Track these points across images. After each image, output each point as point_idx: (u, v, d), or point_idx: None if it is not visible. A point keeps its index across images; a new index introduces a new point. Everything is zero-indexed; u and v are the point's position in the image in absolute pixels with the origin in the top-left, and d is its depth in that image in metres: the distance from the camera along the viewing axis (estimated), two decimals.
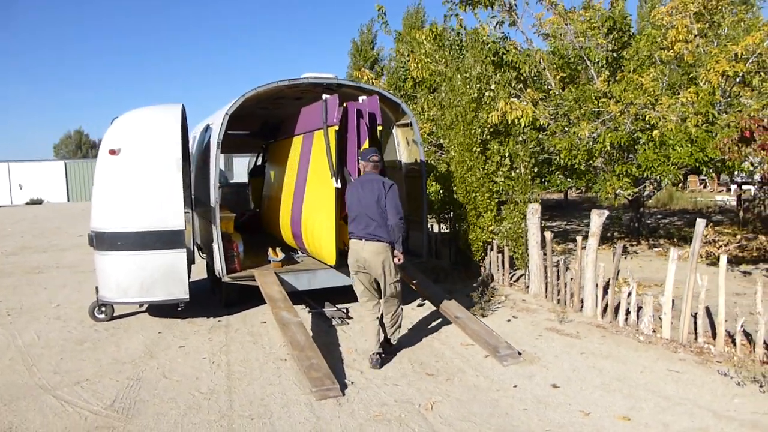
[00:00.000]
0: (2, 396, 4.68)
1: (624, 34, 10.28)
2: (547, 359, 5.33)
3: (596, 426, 4.02)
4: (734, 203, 18.79)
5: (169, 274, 6.39)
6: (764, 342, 5.20)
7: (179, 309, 6.67)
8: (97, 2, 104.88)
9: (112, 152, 6.37)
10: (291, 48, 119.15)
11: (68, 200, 38.14)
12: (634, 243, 12.05)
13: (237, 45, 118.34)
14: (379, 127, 6.39)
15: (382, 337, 5.41)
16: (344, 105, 6.31)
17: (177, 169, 6.38)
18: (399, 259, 5.25)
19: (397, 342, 5.58)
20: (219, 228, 6.65)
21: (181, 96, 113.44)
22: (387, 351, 5.43)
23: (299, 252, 7.94)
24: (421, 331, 6.31)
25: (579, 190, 23.73)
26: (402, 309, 5.55)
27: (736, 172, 12.02)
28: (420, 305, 7.35)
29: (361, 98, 6.47)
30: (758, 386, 4.57)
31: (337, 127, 6.19)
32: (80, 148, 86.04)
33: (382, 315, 5.43)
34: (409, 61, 12.90)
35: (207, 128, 7.85)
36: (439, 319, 6.56)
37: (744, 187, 17.94)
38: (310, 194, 6.97)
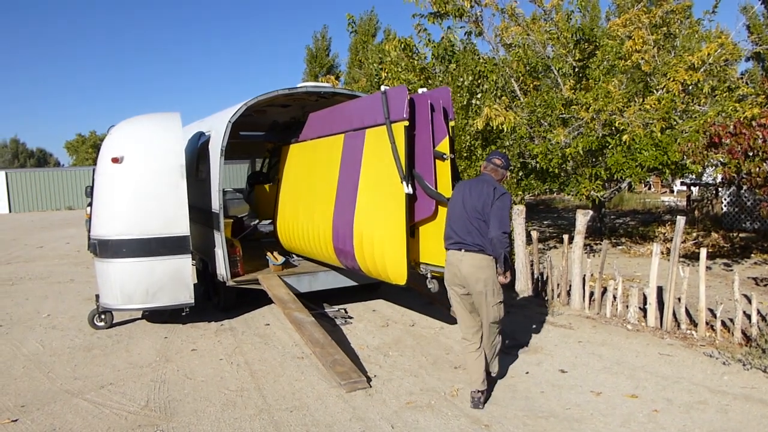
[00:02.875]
0: (32, 401, 4.73)
1: (590, 45, 10.91)
2: (549, 348, 5.74)
3: (609, 404, 4.42)
4: (681, 203, 19.99)
5: (174, 279, 6.47)
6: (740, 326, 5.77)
7: (183, 314, 6.76)
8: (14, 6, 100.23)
9: (115, 160, 6.42)
10: (243, 58, 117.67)
11: (10, 211, 36.60)
12: (598, 242, 12.73)
13: (163, 56, 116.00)
14: (452, 123, 5.57)
15: (484, 367, 4.53)
16: (409, 97, 5.49)
17: (181, 175, 6.48)
18: (505, 278, 4.45)
19: (498, 373, 4.83)
20: (224, 233, 6.79)
21: (127, 106, 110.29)
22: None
23: (294, 257, 8.11)
24: (424, 328, 6.62)
25: (532, 195, 24.56)
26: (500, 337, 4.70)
27: (686, 174, 12.85)
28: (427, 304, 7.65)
29: (421, 90, 5.69)
30: (741, 365, 5.09)
31: (407, 123, 5.42)
32: (17, 157, 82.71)
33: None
34: (382, 69, 13.25)
35: (200, 135, 7.96)
36: (440, 316, 6.88)
37: (691, 188, 19.10)
38: (365, 202, 6.00)
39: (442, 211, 5.30)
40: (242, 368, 5.41)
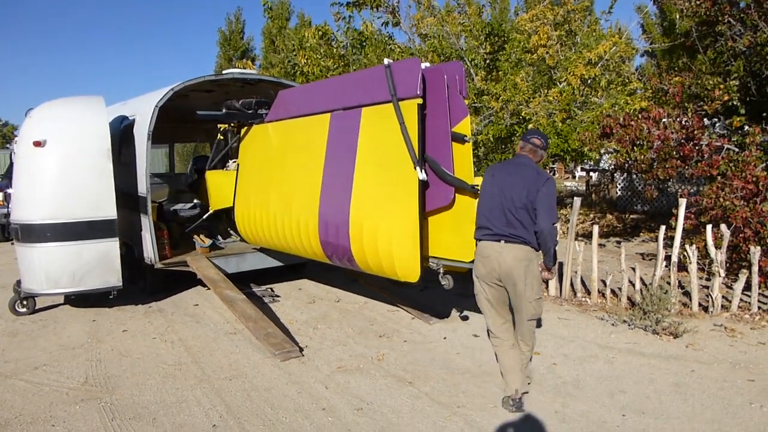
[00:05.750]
0: None
1: (499, 39, 11.65)
2: (462, 317, 6.33)
3: None
4: (582, 188, 21.52)
5: (102, 262, 6.52)
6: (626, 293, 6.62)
7: (111, 297, 6.81)
8: None
9: (38, 144, 6.35)
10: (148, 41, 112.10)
11: None
12: None
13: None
14: (466, 101, 4.98)
15: (521, 367, 4.17)
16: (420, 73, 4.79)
17: (108, 158, 6.51)
18: (550, 275, 4.16)
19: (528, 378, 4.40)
20: (151, 217, 6.89)
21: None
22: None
23: (220, 239, 8.28)
24: (349, 303, 7.05)
25: None
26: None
27: (585, 161, 14.00)
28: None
29: (424, 64, 4.94)
30: (627, 325, 5.88)
31: (420, 101, 4.78)
32: None
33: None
34: (296, 55, 13.49)
35: (123, 119, 7.92)
36: (364, 293, 7.32)
37: (590, 173, 20.64)
38: (364, 191, 5.29)
39: (459, 200, 4.88)
40: (177, 345, 5.63)
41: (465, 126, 4.85)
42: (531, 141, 4.11)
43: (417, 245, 4.82)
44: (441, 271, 5.14)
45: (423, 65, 4.85)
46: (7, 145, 43.79)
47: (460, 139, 4.85)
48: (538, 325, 5.86)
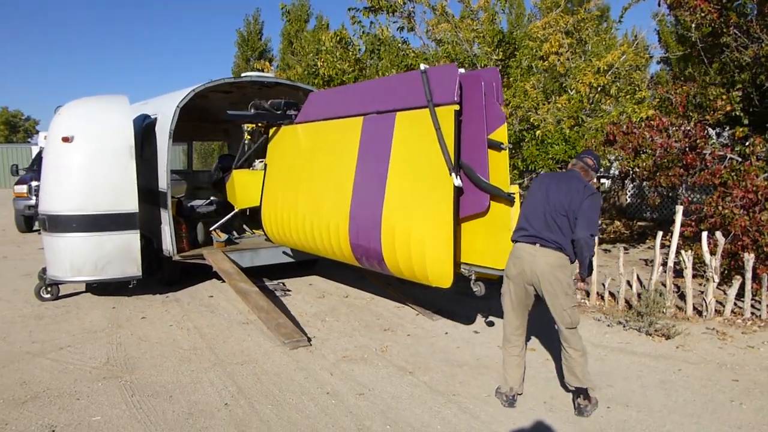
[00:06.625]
0: None
1: (510, 46, 11.90)
2: (465, 314, 6.61)
3: None
4: None
5: (123, 253, 6.89)
6: (624, 296, 6.85)
7: (131, 286, 7.17)
8: None
9: (66, 139, 6.74)
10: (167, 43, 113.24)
11: None
12: None
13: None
14: (502, 108, 4.96)
15: (522, 372, 4.41)
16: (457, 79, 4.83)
17: (131, 155, 6.88)
18: (585, 285, 4.28)
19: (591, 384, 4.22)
20: (171, 211, 7.24)
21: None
22: (582, 404, 4.18)
23: (235, 234, 8.62)
24: (357, 298, 7.36)
25: None
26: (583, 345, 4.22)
27: None
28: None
29: (461, 70, 4.90)
30: (621, 326, 6.12)
31: (457, 107, 4.79)
32: None
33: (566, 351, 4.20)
34: (318, 59, 13.85)
35: (145, 117, 8.29)
36: (371, 289, 7.62)
37: (601, 180, 20.76)
38: (398, 196, 5.25)
39: (494, 207, 4.88)
40: (192, 332, 5.96)
41: (502, 133, 4.82)
42: (583, 160, 4.27)
43: (450, 251, 4.84)
44: (473, 277, 5.19)
45: (460, 71, 4.84)
46: (29, 140, 44.70)
47: (496, 146, 4.82)
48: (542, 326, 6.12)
